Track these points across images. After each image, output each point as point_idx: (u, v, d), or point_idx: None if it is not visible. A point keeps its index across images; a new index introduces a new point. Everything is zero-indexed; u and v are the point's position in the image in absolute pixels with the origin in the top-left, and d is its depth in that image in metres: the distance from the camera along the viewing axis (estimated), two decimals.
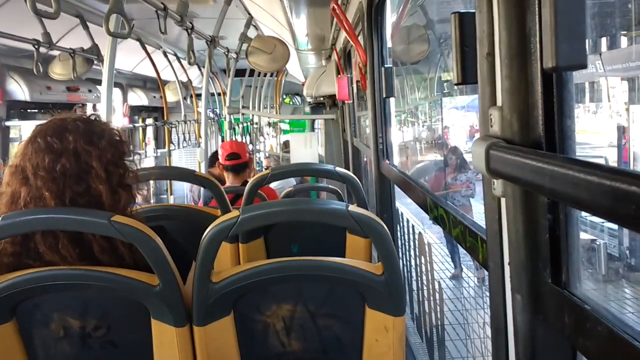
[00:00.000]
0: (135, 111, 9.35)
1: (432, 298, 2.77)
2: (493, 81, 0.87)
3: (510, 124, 0.80)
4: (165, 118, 7.68)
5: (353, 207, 1.39)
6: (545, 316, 0.80)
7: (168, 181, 7.59)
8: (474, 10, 0.92)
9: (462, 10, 0.99)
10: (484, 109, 0.89)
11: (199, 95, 8.07)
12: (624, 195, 0.48)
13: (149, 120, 9.61)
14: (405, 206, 3.34)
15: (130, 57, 6.85)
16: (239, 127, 8.87)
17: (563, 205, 0.77)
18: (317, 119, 8.34)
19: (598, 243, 4.85)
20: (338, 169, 2.29)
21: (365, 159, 5.39)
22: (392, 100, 2.78)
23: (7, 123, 5.68)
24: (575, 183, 0.56)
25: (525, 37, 0.77)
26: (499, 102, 0.84)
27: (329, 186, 3.47)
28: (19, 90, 5.56)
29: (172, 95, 8.04)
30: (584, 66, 0.68)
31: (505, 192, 0.84)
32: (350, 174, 2.36)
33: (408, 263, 3.26)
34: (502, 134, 0.82)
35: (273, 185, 3.97)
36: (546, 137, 0.76)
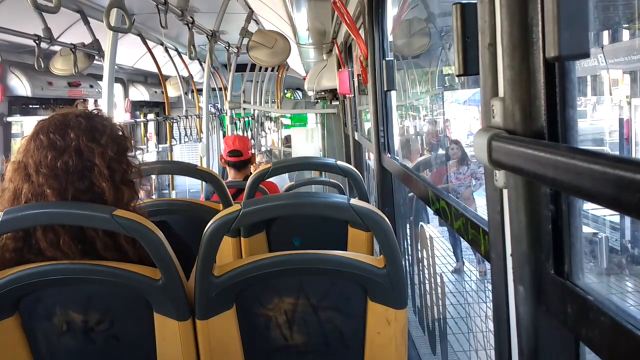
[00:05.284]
0: (137, 106, 9.34)
1: (433, 292, 2.77)
2: (495, 72, 0.86)
3: (513, 115, 0.80)
4: (166, 113, 7.69)
5: (355, 201, 1.39)
6: (547, 307, 0.80)
7: (170, 176, 7.60)
8: (475, 1, 0.91)
9: (463, 1, 0.98)
10: (485, 100, 0.88)
11: (200, 91, 8.06)
12: (628, 184, 0.48)
13: (151, 116, 9.61)
14: None
15: (131, 53, 6.85)
16: (240, 122, 8.87)
17: (565, 196, 0.77)
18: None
19: (600, 236, 4.84)
20: (339, 162, 2.29)
21: (366, 153, 5.38)
22: (393, 93, 2.77)
23: (9, 119, 5.67)
24: (578, 172, 0.56)
25: (527, 27, 0.76)
26: (501, 93, 0.84)
27: (330, 180, 3.46)
28: (20, 85, 5.55)
29: (173, 90, 8.05)
30: (586, 55, 0.67)
31: (508, 183, 0.84)
32: (352, 167, 2.36)
33: (410, 257, 3.26)
34: (504, 124, 0.82)
35: None
36: (548, 127, 0.75)
